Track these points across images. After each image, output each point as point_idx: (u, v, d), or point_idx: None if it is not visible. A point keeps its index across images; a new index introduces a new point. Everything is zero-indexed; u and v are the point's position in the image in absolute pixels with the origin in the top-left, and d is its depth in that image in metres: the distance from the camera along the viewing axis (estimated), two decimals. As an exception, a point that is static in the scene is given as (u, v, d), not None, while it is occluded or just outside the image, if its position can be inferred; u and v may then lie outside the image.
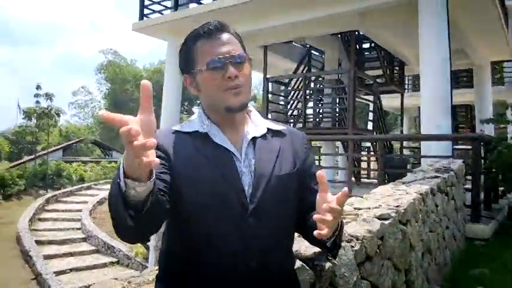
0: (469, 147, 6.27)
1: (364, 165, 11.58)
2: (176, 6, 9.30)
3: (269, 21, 8.15)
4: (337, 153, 12.39)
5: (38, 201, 13.19)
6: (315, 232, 0.95)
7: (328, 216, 0.94)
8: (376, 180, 7.14)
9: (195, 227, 1.04)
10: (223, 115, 1.10)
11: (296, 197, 1.15)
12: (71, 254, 9.80)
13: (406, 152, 11.75)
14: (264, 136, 1.14)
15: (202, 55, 1.07)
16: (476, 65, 10.69)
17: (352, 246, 1.73)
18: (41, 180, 15.62)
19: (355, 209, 2.36)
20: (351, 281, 1.62)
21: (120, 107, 28.67)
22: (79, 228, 11.41)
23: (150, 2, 9.97)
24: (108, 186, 0.95)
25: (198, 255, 1.04)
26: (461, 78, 13.95)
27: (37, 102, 18.18)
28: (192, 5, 9.28)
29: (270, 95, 10.24)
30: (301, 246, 1.49)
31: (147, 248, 9.01)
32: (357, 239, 1.79)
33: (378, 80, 9.91)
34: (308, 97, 9.97)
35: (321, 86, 10.62)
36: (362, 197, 2.79)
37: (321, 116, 10.36)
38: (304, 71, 10.78)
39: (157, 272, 1.17)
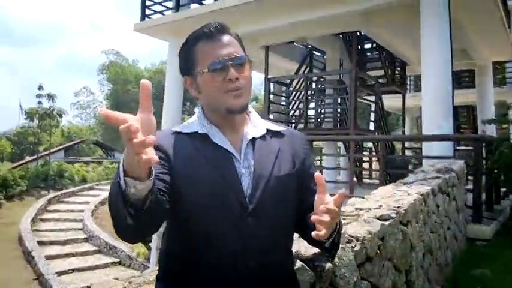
0: (471, 147, 6.26)
1: (365, 165, 11.56)
2: (177, 6, 9.29)
3: (270, 22, 8.14)
4: (339, 154, 12.37)
5: (40, 201, 13.23)
6: (313, 233, 0.95)
7: (326, 217, 0.94)
8: (377, 181, 7.14)
9: (194, 227, 1.05)
10: (223, 116, 1.11)
11: (295, 198, 1.15)
12: (72, 255, 9.85)
13: (407, 152, 11.74)
14: (263, 137, 1.15)
15: (203, 57, 1.07)
16: (478, 66, 10.66)
17: (353, 247, 1.73)
18: (43, 180, 15.63)
19: (356, 209, 2.35)
20: (351, 282, 1.62)
21: (122, 108, 28.62)
22: (81, 229, 11.46)
23: (152, 3, 9.98)
24: (110, 186, 0.96)
25: (197, 255, 1.05)
26: (463, 79, 13.89)
27: (39, 102, 18.17)
28: (194, 6, 9.27)
29: (271, 96, 10.22)
30: (301, 246, 1.49)
31: (149, 248, 9.03)
32: (357, 240, 1.79)
33: (380, 81, 9.87)
34: (309, 97, 9.96)
35: (323, 87, 10.63)
36: (363, 198, 2.79)
37: (322, 116, 10.34)
38: (305, 72, 10.75)
39: (157, 272, 1.18)
